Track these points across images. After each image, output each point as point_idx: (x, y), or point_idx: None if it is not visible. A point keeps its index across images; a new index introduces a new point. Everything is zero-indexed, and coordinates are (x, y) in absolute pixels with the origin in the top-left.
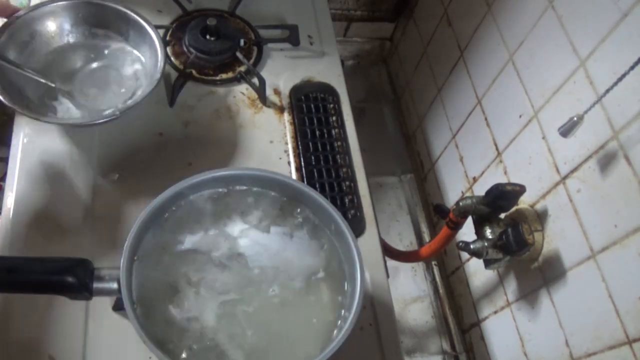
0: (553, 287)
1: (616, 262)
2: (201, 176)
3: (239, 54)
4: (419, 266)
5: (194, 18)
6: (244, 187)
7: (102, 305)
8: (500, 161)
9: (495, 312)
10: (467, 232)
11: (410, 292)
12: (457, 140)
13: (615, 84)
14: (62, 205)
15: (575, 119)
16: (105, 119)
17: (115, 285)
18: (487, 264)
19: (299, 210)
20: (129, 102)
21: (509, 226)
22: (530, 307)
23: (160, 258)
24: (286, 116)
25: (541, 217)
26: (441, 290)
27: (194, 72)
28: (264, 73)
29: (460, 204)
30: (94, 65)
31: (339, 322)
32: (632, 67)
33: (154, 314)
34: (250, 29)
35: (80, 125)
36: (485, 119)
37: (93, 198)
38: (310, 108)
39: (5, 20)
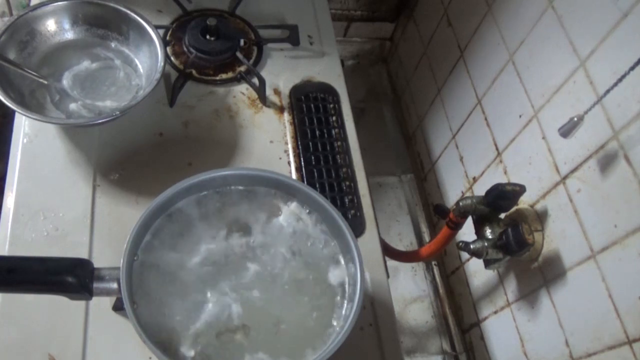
0: (553, 287)
1: (616, 262)
2: (201, 176)
3: (239, 54)
4: (419, 266)
5: (194, 18)
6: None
7: (102, 305)
8: (500, 161)
9: (495, 312)
10: (467, 232)
11: (410, 292)
12: (457, 140)
13: (615, 84)
14: (62, 205)
15: (575, 119)
16: (105, 119)
17: (115, 285)
18: (487, 264)
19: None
20: (129, 102)
21: (509, 226)
22: (530, 307)
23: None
24: (286, 116)
25: (541, 217)
26: (441, 290)
27: (194, 72)
28: (264, 73)
29: (460, 204)
30: (94, 65)
31: (339, 322)
32: (632, 67)
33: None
34: (250, 29)
35: (80, 125)
36: (485, 119)
37: (93, 198)
38: (310, 108)
39: (5, 20)
